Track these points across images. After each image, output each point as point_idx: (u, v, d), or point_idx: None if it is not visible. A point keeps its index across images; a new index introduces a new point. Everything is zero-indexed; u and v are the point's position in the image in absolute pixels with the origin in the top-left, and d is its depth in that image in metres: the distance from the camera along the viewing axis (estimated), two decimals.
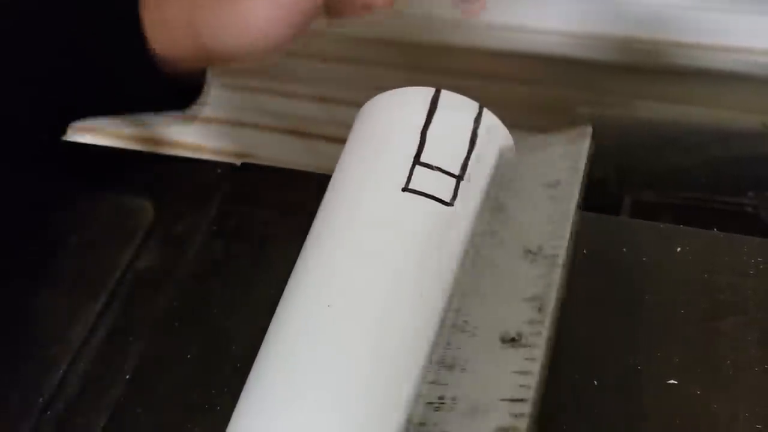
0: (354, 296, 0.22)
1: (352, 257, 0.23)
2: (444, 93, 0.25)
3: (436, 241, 0.23)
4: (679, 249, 0.29)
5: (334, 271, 0.23)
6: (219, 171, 0.33)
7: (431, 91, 0.26)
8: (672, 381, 0.26)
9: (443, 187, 0.24)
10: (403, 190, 0.23)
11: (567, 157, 0.24)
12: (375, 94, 0.28)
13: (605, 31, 0.51)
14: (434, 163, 0.24)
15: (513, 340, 0.20)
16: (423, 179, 0.24)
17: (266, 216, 0.32)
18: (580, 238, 0.30)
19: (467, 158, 0.25)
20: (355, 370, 0.21)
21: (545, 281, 0.21)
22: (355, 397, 0.20)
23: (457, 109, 0.25)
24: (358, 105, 0.28)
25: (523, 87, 0.57)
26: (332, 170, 0.27)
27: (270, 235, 0.31)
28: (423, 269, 0.22)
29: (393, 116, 0.25)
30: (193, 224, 0.32)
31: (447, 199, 0.24)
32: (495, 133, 0.26)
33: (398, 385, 0.20)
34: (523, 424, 0.18)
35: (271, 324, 0.23)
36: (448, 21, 0.55)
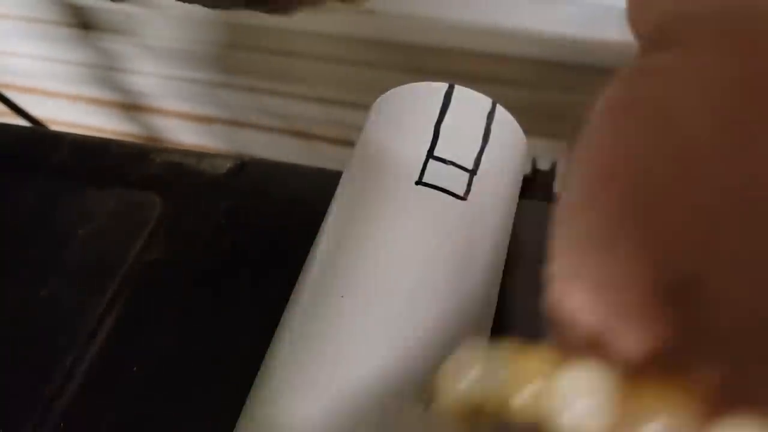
0: (367, 288, 0.22)
1: (365, 249, 0.23)
2: (458, 88, 0.26)
3: (448, 234, 0.23)
4: None
5: (347, 263, 0.23)
6: (228, 165, 0.33)
7: (444, 86, 0.26)
8: None
9: (456, 181, 0.24)
10: (417, 183, 0.23)
11: None
12: (375, 96, 0.28)
13: (608, 37, 0.51)
14: (448, 158, 0.24)
15: None
16: (437, 173, 0.24)
17: (275, 210, 0.32)
18: None
19: (480, 153, 0.25)
20: (369, 362, 0.20)
21: None
22: (368, 388, 0.20)
23: (471, 105, 0.26)
24: (358, 106, 0.28)
25: (525, 91, 0.58)
26: (335, 169, 0.27)
27: (279, 230, 0.31)
28: (435, 262, 0.22)
29: (407, 111, 0.26)
30: (201, 218, 0.32)
31: (460, 193, 0.24)
32: (507, 128, 0.26)
33: (413, 376, 0.20)
34: None
35: (282, 317, 0.23)
36: (450, 23, 0.55)
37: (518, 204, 0.28)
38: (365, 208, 0.24)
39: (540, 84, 0.57)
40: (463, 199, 0.24)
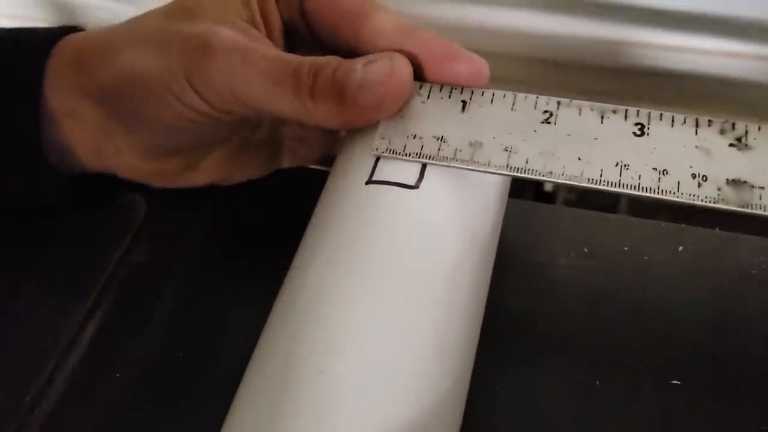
0: (332, 295, 0.21)
1: (323, 253, 0.22)
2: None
3: (398, 225, 0.22)
4: (680, 248, 0.29)
5: (308, 271, 0.22)
6: None
7: None
8: (675, 381, 0.25)
9: (408, 172, 0.23)
10: (367, 183, 0.23)
11: None
12: None
13: (601, 35, 0.51)
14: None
15: None
16: (387, 169, 0.23)
17: (262, 214, 0.31)
18: (580, 235, 0.30)
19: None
20: (338, 367, 0.20)
21: None
22: (339, 388, 0.20)
23: None
24: None
25: (522, 90, 0.57)
26: (325, 170, 0.27)
27: (265, 234, 0.30)
28: (388, 255, 0.22)
29: None
30: (186, 221, 0.31)
31: (412, 182, 0.23)
32: None
33: (389, 377, 0.20)
34: None
35: (266, 322, 0.23)
36: (443, 21, 0.55)
37: (507, 203, 0.27)
38: (324, 215, 0.24)
39: (531, 82, 0.56)
40: (414, 187, 0.23)
